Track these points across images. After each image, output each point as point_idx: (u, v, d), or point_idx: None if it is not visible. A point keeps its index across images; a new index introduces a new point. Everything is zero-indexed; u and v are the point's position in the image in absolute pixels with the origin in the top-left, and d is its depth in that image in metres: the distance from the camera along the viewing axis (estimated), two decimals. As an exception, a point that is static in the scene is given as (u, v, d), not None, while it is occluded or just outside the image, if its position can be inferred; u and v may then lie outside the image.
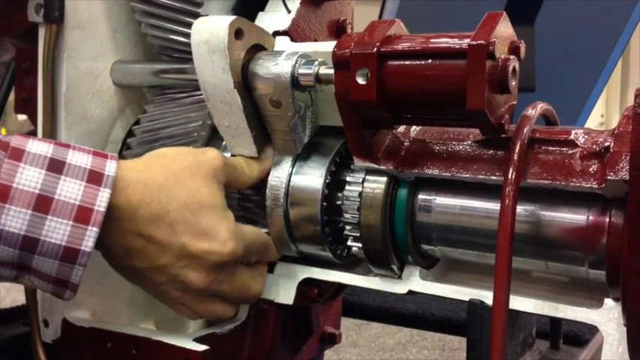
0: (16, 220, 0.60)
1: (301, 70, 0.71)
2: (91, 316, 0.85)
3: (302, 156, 0.75)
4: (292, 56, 0.71)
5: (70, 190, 0.62)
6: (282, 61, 0.71)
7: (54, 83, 0.81)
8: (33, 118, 0.85)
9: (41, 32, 0.80)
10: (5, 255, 0.62)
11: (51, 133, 0.81)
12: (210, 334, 0.78)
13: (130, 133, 0.88)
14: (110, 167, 0.64)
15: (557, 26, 1.90)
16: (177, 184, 0.68)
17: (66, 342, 0.83)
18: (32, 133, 0.85)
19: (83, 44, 0.83)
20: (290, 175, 0.75)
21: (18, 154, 0.62)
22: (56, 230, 0.61)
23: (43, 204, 0.61)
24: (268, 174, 0.76)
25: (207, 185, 0.69)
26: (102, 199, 0.63)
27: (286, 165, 0.75)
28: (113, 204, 0.64)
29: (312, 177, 0.74)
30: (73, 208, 0.62)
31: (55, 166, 0.63)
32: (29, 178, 0.61)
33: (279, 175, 0.75)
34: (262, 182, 0.76)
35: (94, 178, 0.63)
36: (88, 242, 0.62)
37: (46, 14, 0.79)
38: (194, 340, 0.75)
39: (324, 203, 0.73)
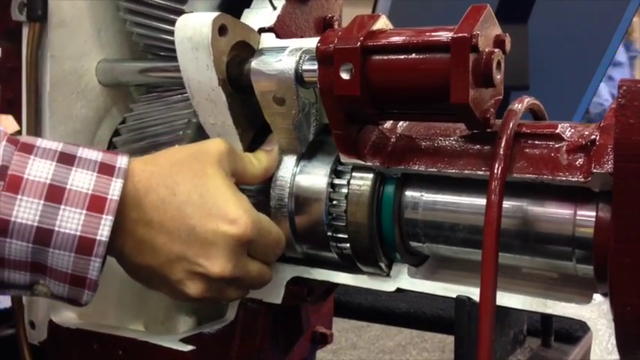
0: (29, 211, 0.59)
1: (305, 67, 0.69)
2: (78, 318, 0.84)
3: (306, 155, 0.74)
4: (296, 52, 0.70)
5: (82, 180, 0.61)
6: (285, 58, 0.70)
7: (38, 83, 0.80)
8: (18, 119, 0.84)
9: (25, 31, 0.80)
10: (19, 252, 0.59)
11: (35, 133, 0.81)
12: (198, 334, 0.77)
13: (116, 132, 0.87)
14: (122, 161, 0.64)
15: (550, 25, 1.90)
16: (182, 168, 0.67)
17: (52, 343, 0.82)
18: (17, 134, 0.84)
19: (67, 43, 0.82)
20: (294, 174, 0.73)
21: (28, 148, 0.61)
22: (70, 220, 0.60)
23: (55, 194, 0.60)
24: (278, 166, 0.74)
25: (214, 168, 0.67)
26: (115, 188, 0.61)
27: (290, 164, 0.74)
28: (122, 194, 0.62)
29: (316, 176, 0.72)
30: (87, 197, 0.60)
31: (66, 159, 0.62)
32: (40, 169, 0.60)
33: (284, 174, 0.74)
34: (267, 182, 0.74)
35: (106, 169, 0.62)
36: (104, 231, 0.60)
37: (29, 13, 0.78)
38: (180, 340, 0.75)
39: (329, 203, 0.71)
